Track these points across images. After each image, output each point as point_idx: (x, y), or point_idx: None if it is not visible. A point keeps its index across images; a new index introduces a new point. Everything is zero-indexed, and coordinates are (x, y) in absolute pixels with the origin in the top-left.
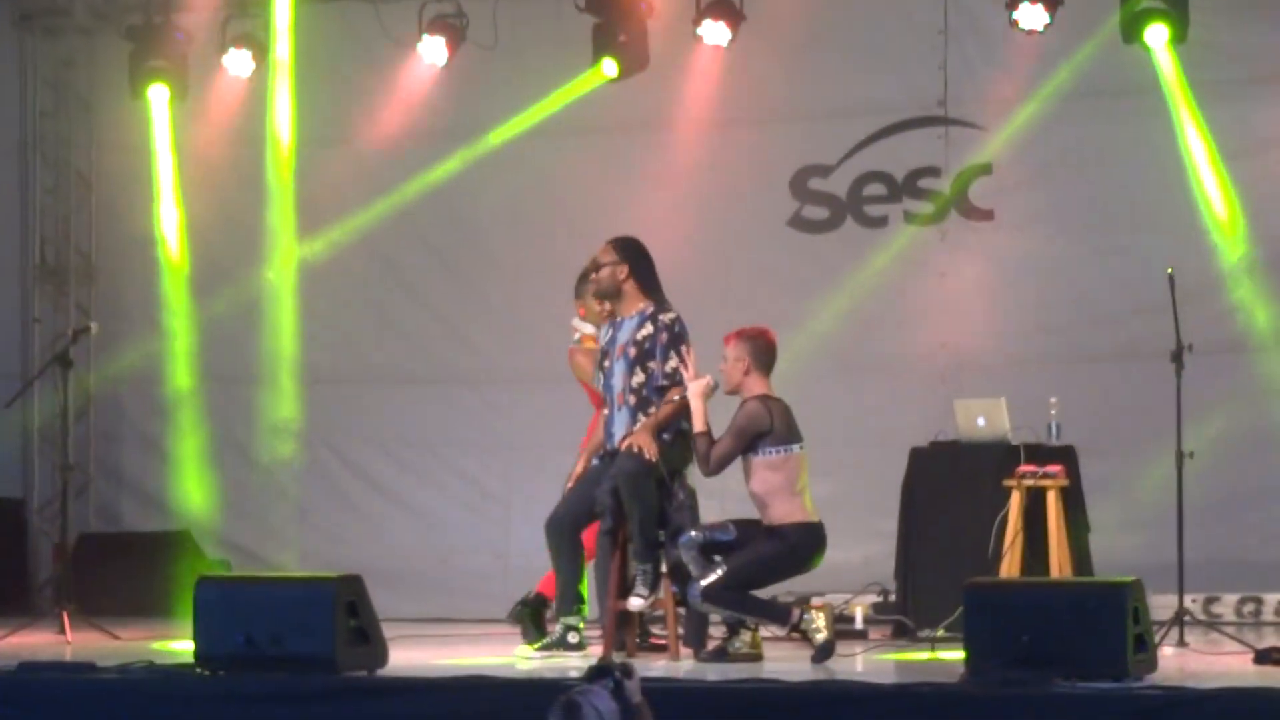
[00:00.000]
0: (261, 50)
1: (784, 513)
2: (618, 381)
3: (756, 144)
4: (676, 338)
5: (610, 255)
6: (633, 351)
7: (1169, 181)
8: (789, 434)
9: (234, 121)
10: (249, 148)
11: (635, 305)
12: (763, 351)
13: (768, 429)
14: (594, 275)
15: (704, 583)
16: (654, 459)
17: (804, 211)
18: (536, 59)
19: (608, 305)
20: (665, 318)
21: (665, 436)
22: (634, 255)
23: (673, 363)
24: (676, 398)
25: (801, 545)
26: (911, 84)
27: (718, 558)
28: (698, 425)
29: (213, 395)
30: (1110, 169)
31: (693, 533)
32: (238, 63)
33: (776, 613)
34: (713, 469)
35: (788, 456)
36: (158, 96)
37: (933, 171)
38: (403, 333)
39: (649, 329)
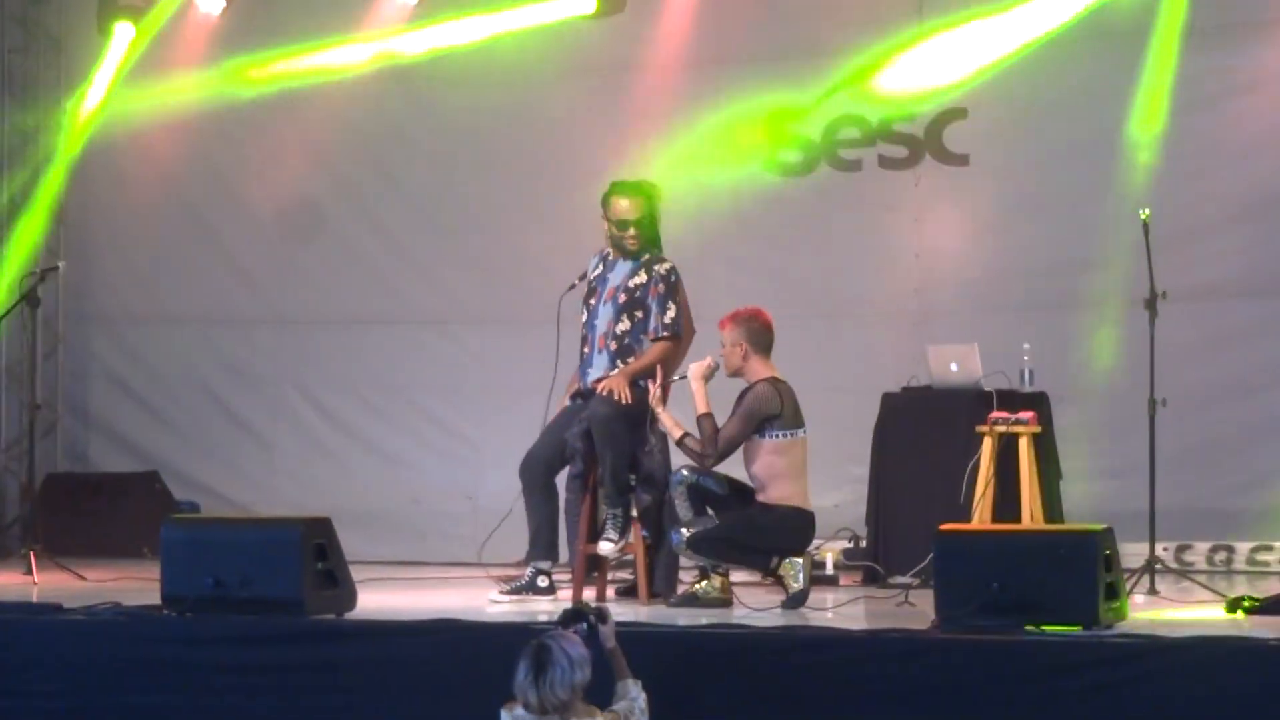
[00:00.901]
0: None
1: (783, 495)
2: (601, 324)
3: (735, 89)
4: (673, 288)
5: (644, 209)
6: (623, 298)
7: (1145, 125)
8: (796, 418)
9: (205, 59)
10: (220, 86)
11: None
12: (758, 333)
13: (777, 412)
14: (634, 235)
15: (691, 531)
16: (628, 403)
17: (779, 154)
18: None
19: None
20: (661, 268)
21: (641, 383)
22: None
23: (671, 313)
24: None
25: (794, 528)
26: (888, 26)
27: (709, 510)
28: (700, 407)
29: (179, 335)
30: (1086, 113)
31: (684, 470)
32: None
33: (758, 563)
34: (720, 453)
35: (793, 441)
36: (121, 34)
37: (907, 116)
38: (372, 273)
39: (643, 277)
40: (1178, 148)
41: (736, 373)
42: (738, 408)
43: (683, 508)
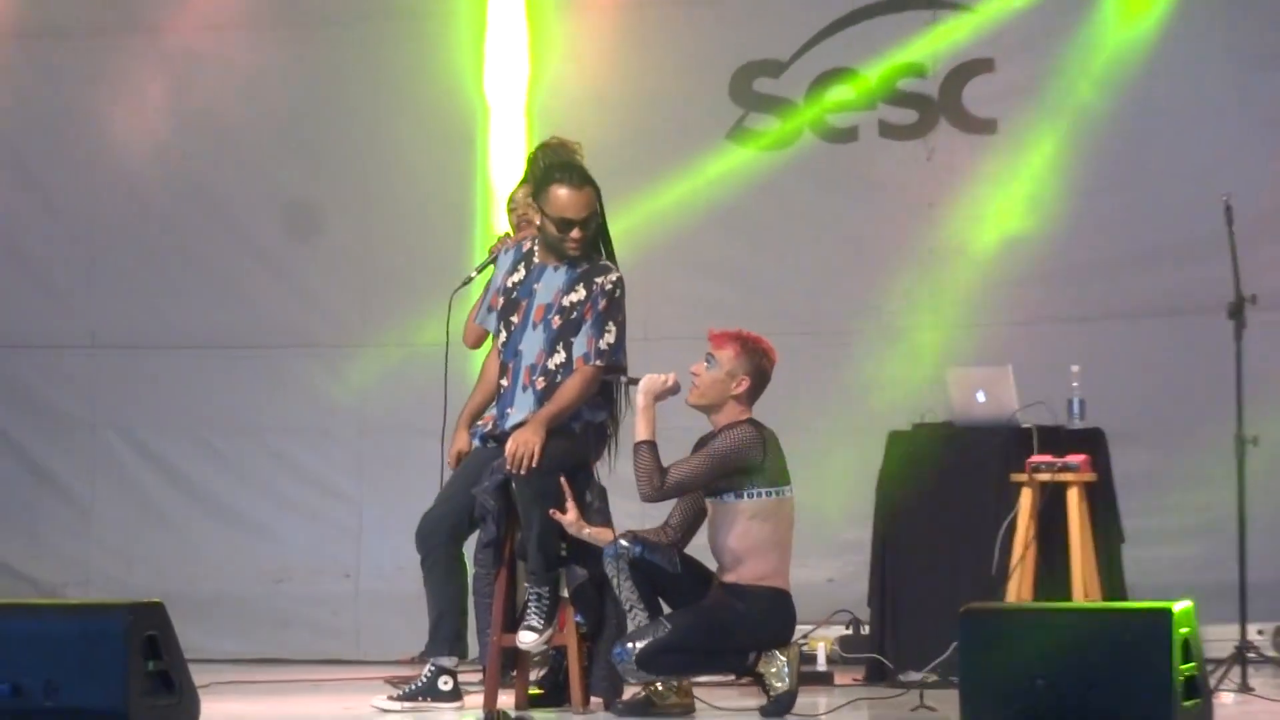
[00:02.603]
0: None
1: (760, 573)
2: (528, 353)
3: (688, 34)
4: (616, 305)
5: (596, 206)
6: (556, 321)
7: (1227, 83)
8: (782, 473)
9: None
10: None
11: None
12: (763, 375)
13: (759, 464)
14: (579, 236)
15: (640, 644)
16: (536, 464)
17: (748, 121)
18: None
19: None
20: (605, 280)
21: (575, 426)
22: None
23: (609, 336)
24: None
25: (774, 617)
26: None
27: (660, 616)
28: (642, 432)
29: None
30: (1149, 66)
31: (623, 541)
32: None
33: (730, 662)
34: (665, 492)
35: (779, 502)
36: None
37: (916, 69)
38: (218, 283)
39: (581, 292)
40: (1268, 111)
41: (710, 405)
42: (709, 447)
43: (626, 590)
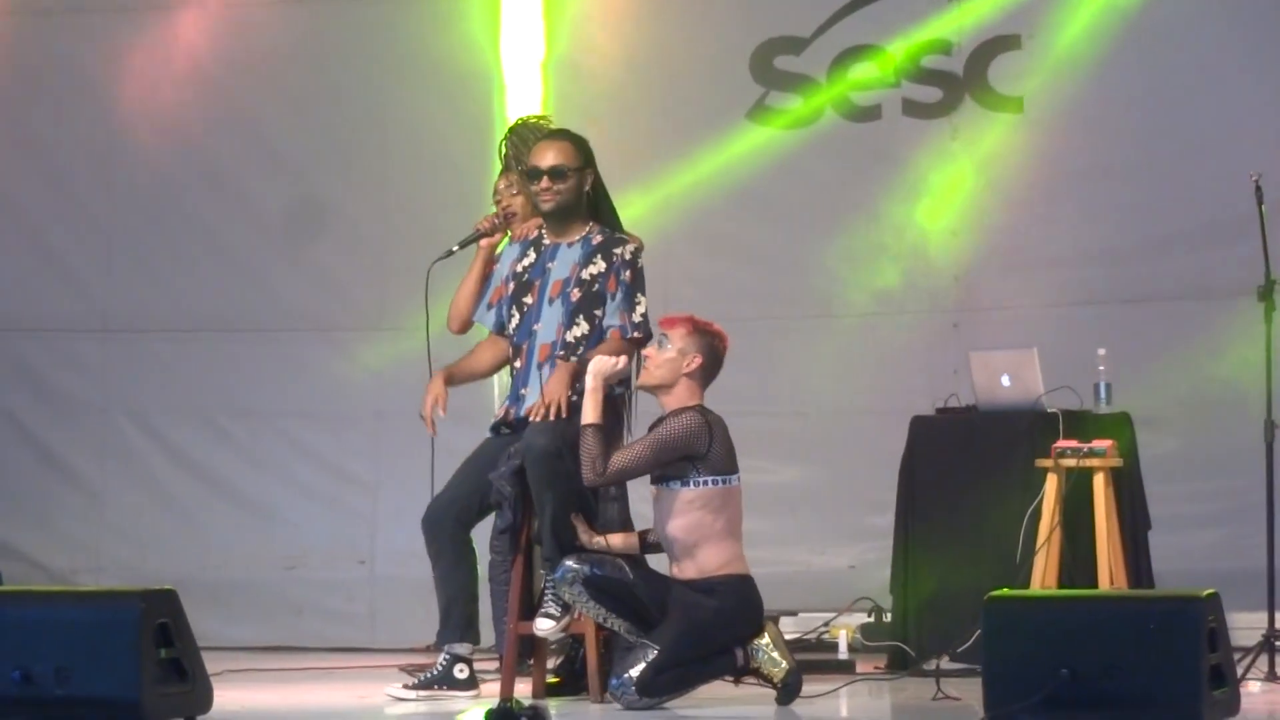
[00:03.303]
0: None
1: (718, 562)
2: (546, 330)
3: (707, 10)
4: (640, 275)
5: (571, 157)
6: (575, 294)
7: (1256, 61)
8: (730, 461)
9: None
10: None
11: (580, 229)
12: (716, 359)
13: (704, 452)
14: (546, 186)
15: (637, 673)
16: (565, 416)
17: (769, 99)
18: None
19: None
20: (624, 251)
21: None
22: (593, 160)
23: (641, 307)
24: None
25: (745, 606)
26: None
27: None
28: (589, 414)
29: None
30: (1182, 44)
31: (570, 562)
32: None
33: (723, 665)
34: (606, 478)
35: (728, 490)
36: None
37: (941, 46)
38: (232, 265)
39: (600, 264)
40: None
41: (659, 387)
42: (654, 433)
43: (591, 608)
